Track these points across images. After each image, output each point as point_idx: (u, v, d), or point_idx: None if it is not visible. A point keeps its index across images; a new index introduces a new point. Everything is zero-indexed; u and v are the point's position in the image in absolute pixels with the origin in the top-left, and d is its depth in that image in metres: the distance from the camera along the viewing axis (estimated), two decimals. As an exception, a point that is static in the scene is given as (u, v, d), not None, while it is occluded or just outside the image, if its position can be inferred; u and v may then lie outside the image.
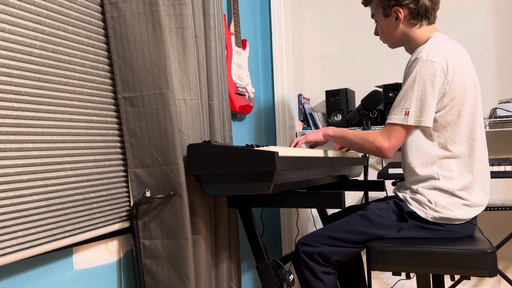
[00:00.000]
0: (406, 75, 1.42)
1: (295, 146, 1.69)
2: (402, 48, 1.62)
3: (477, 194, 1.45)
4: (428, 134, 1.44)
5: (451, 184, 1.42)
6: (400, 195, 1.51)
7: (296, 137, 2.65)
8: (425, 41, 1.49)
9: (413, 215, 1.45)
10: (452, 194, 1.42)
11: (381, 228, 1.48)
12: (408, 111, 1.39)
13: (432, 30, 1.52)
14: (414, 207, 1.45)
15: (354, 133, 1.52)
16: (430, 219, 1.43)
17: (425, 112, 1.38)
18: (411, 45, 1.54)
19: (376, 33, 1.64)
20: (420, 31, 1.51)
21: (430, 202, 1.42)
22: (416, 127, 1.44)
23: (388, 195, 1.75)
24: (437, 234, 1.45)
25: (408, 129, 1.42)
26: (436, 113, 1.41)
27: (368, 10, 2.71)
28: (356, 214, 1.53)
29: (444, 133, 1.42)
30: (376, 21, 1.62)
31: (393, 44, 1.61)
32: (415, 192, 1.47)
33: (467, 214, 1.43)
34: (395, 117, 1.42)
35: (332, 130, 1.61)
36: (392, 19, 1.53)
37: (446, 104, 1.40)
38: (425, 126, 1.39)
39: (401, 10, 1.49)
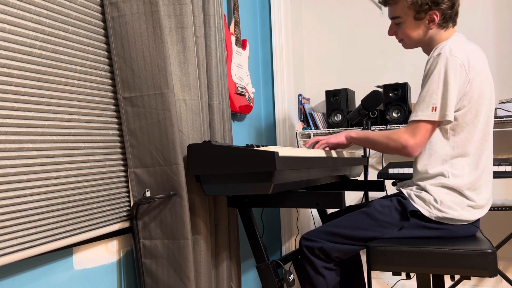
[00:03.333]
0: (429, 71, 1.40)
1: (313, 147, 1.67)
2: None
3: (483, 194, 1.45)
4: (444, 132, 1.43)
5: (460, 182, 1.41)
6: (405, 191, 1.50)
7: (296, 137, 2.66)
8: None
9: (416, 213, 1.45)
10: (460, 193, 1.42)
11: (383, 226, 1.47)
12: (436, 107, 1.37)
13: (454, 31, 1.53)
14: (418, 205, 1.45)
15: (378, 133, 1.50)
16: (433, 218, 1.43)
17: (448, 106, 1.36)
18: (433, 46, 1.52)
19: (392, 34, 1.60)
20: (445, 33, 1.51)
21: (436, 201, 1.42)
22: (439, 124, 1.42)
23: (388, 194, 1.75)
24: (438, 233, 1.45)
25: (434, 125, 1.40)
26: (455, 112, 1.40)
27: (367, 10, 2.72)
28: (359, 211, 1.53)
29: (460, 132, 1.42)
30: (398, 23, 1.55)
31: (413, 46, 1.58)
32: (421, 189, 1.46)
33: (471, 215, 1.42)
34: (421, 113, 1.39)
35: (355, 132, 1.59)
36: (423, 22, 1.50)
37: (465, 103, 1.40)
38: (449, 120, 1.38)
39: (437, 13, 1.47)
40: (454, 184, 1.42)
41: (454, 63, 1.36)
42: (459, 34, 1.50)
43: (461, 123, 1.41)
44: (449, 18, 1.49)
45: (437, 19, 1.47)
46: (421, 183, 1.47)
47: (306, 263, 1.53)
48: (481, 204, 1.44)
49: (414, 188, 1.50)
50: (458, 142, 1.42)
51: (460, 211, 1.41)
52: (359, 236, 1.49)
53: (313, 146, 1.67)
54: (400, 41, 1.60)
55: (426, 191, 1.45)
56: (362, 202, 2.00)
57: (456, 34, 1.50)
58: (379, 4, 2.33)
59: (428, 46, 1.55)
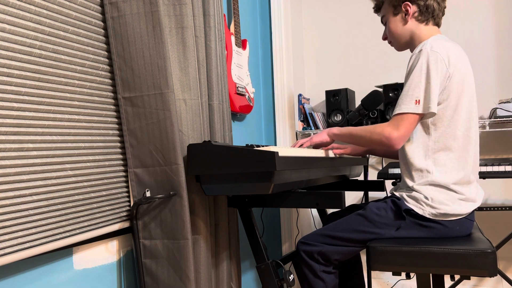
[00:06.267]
0: (412, 66, 1.44)
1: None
2: None
3: (472, 188, 1.47)
4: (426, 127, 1.46)
5: (445, 178, 1.44)
6: (397, 194, 1.53)
7: (296, 137, 2.66)
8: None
9: (410, 212, 1.46)
10: (447, 189, 1.44)
11: (380, 227, 1.48)
12: (419, 100, 1.40)
13: (436, 31, 1.58)
14: (411, 204, 1.46)
15: (360, 128, 1.52)
16: (427, 216, 1.44)
17: (431, 99, 1.40)
18: (416, 44, 1.57)
19: (385, 38, 1.68)
20: (426, 29, 1.56)
21: (426, 198, 1.44)
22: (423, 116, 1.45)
23: (388, 195, 1.75)
24: (435, 232, 1.45)
25: (418, 117, 1.42)
26: None
27: (367, 10, 2.72)
28: (355, 213, 1.54)
29: (440, 127, 1.45)
30: (384, 22, 1.65)
31: (399, 43, 1.64)
32: (411, 189, 1.48)
33: (463, 209, 1.44)
34: (405, 106, 1.41)
35: (337, 129, 1.61)
36: (401, 15, 1.58)
37: (444, 98, 1.43)
38: (432, 112, 1.40)
39: (410, 5, 1.55)
40: (439, 180, 1.44)
41: (435, 58, 1.40)
42: (441, 35, 1.55)
43: (441, 116, 1.44)
44: (426, 11, 1.55)
45: (410, 10, 1.55)
46: (409, 184, 1.49)
47: (305, 267, 1.53)
48: (472, 197, 1.46)
49: (404, 189, 1.52)
50: (439, 136, 1.45)
51: (452, 205, 1.43)
52: (357, 239, 1.50)
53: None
54: (390, 43, 1.67)
55: (415, 191, 1.47)
56: (362, 203, 2.00)
57: (438, 35, 1.55)
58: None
59: (412, 44, 1.60)
